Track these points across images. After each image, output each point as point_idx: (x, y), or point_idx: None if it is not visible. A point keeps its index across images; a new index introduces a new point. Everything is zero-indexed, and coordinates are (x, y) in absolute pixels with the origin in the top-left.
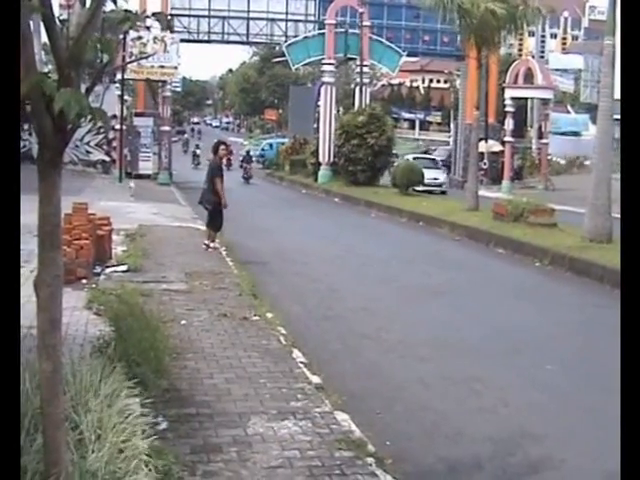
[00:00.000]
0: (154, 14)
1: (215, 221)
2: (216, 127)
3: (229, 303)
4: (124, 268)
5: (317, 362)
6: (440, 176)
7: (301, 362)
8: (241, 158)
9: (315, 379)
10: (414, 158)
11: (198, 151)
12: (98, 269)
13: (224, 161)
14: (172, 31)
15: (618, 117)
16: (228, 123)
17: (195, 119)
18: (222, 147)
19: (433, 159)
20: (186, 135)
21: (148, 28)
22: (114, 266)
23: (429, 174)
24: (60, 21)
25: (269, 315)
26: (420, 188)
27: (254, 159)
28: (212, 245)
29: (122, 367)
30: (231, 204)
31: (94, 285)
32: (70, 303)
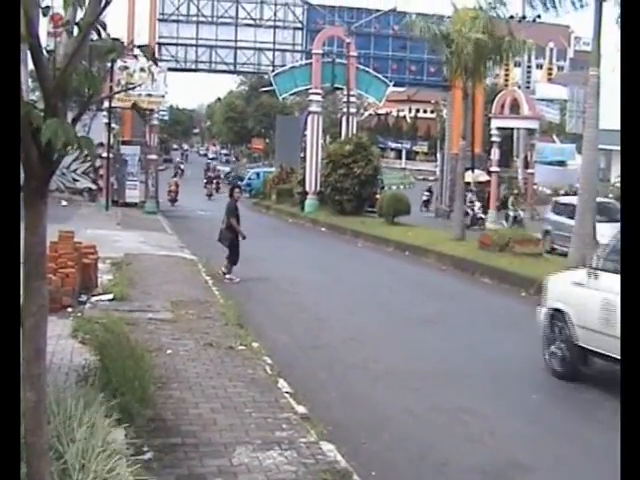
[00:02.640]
0: (140, 47)
1: (233, 255)
2: (212, 159)
3: (215, 332)
4: (110, 297)
5: (303, 392)
6: None
7: (287, 392)
8: (205, 180)
9: (301, 409)
10: (600, 205)
11: (182, 166)
12: (84, 298)
13: (215, 186)
14: (157, 64)
15: (603, 147)
16: (227, 155)
17: (175, 146)
18: (237, 190)
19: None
20: (178, 159)
21: (136, 57)
22: (100, 295)
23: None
24: (47, 51)
25: (255, 344)
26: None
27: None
28: (228, 277)
29: (107, 396)
30: (216, 233)
31: (79, 314)
32: (55, 332)
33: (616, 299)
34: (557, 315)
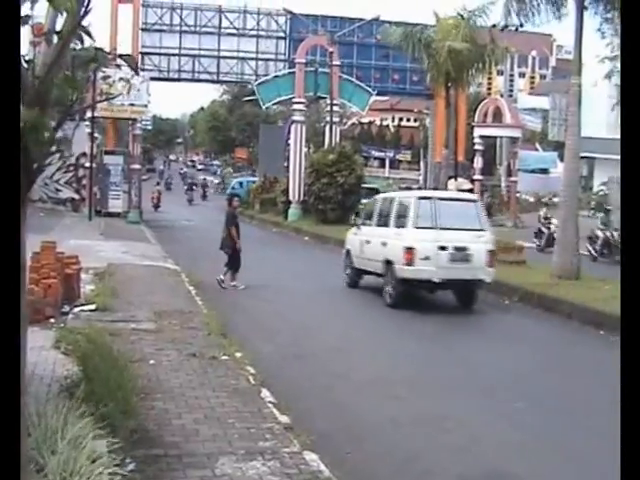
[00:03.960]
0: (121, 56)
1: (233, 263)
2: (200, 169)
3: (198, 342)
4: (92, 307)
5: (286, 401)
6: None
7: (270, 402)
8: (186, 187)
9: (284, 419)
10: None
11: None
12: (66, 308)
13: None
14: (138, 73)
15: (585, 155)
16: (220, 165)
17: (155, 155)
18: (235, 199)
19: None
20: (162, 167)
21: (119, 66)
22: (82, 305)
23: None
24: (26, 61)
25: (238, 354)
26: None
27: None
28: (232, 283)
29: (89, 407)
30: (201, 242)
31: (62, 324)
32: (38, 343)
33: (363, 238)
34: (348, 252)
